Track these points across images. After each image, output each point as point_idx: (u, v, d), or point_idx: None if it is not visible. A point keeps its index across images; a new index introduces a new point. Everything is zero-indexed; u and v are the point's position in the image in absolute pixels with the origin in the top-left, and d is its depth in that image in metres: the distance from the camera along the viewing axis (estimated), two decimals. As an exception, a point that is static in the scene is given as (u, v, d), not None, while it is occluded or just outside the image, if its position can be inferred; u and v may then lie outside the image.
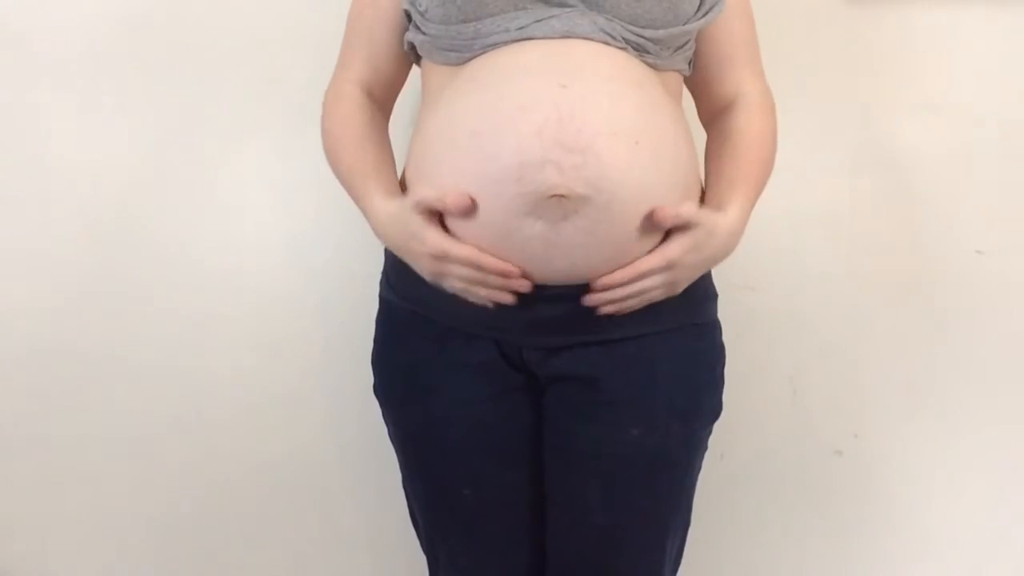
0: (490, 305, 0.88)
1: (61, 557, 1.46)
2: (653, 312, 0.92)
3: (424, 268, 0.89)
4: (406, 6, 0.96)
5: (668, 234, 0.87)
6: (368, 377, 1.05)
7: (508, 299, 0.87)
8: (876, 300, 1.43)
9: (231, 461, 1.45)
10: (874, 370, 1.44)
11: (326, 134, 1.00)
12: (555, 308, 0.90)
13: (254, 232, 1.41)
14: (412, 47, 0.99)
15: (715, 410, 1.03)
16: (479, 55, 0.90)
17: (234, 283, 1.41)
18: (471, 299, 0.89)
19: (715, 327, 1.04)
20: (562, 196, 0.81)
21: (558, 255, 0.85)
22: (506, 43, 0.89)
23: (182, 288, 1.40)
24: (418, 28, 0.96)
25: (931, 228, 1.41)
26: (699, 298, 1.00)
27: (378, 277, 1.06)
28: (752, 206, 0.94)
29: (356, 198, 0.95)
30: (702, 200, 0.94)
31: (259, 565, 1.48)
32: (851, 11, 1.38)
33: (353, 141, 0.98)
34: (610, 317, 0.91)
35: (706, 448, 1.04)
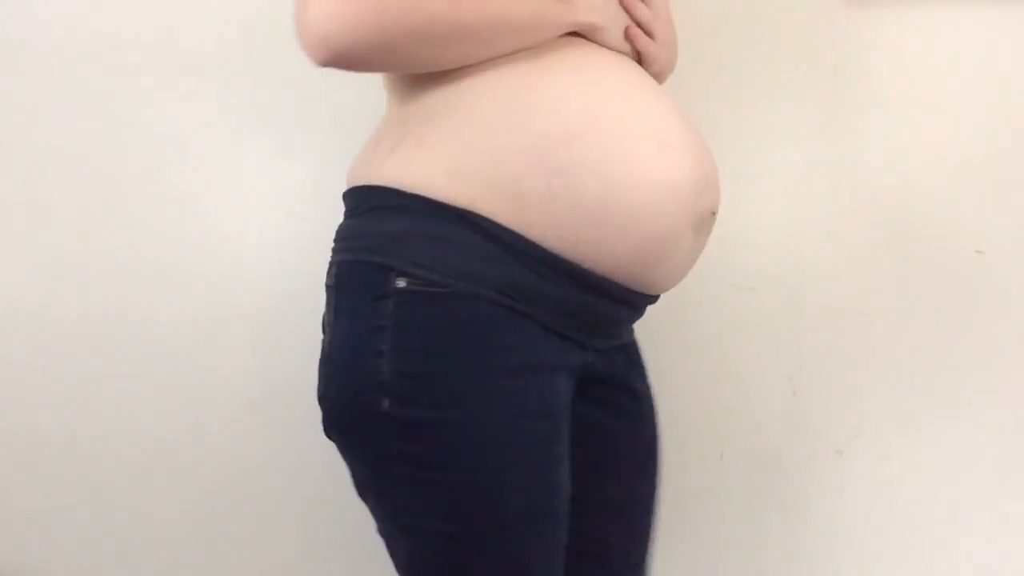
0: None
1: (61, 556, 1.46)
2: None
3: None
4: None
5: None
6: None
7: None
8: (876, 300, 1.43)
9: (232, 461, 1.45)
10: (874, 370, 1.44)
11: (415, 9, 0.75)
12: (636, 314, 0.93)
13: (255, 232, 1.41)
14: None
15: None
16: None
17: (235, 283, 1.41)
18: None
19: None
20: (714, 213, 0.86)
21: (685, 265, 0.88)
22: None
23: (183, 288, 1.40)
24: None
25: (931, 228, 1.41)
26: None
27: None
28: None
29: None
30: None
31: (258, 565, 1.48)
32: (850, 11, 1.38)
33: None
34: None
35: None
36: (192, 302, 1.41)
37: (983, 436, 1.44)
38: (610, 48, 0.87)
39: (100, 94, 1.37)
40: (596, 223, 0.79)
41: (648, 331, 1.02)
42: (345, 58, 0.76)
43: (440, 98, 0.83)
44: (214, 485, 1.45)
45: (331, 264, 0.87)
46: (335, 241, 0.89)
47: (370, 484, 0.85)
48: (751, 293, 1.41)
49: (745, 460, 1.45)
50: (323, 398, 0.84)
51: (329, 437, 0.86)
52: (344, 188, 0.91)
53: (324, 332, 0.86)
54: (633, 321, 0.94)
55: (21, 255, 1.39)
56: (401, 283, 0.79)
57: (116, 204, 1.39)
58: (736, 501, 1.47)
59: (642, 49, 0.89)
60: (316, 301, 1.43)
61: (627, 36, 0.88)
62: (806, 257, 1.43)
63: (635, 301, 0.88)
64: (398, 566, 0.87)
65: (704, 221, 0.85)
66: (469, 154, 0.80)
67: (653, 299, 0.91)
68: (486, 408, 0.79)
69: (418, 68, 0.83)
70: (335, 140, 1.39)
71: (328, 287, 0.87)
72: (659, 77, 0.94)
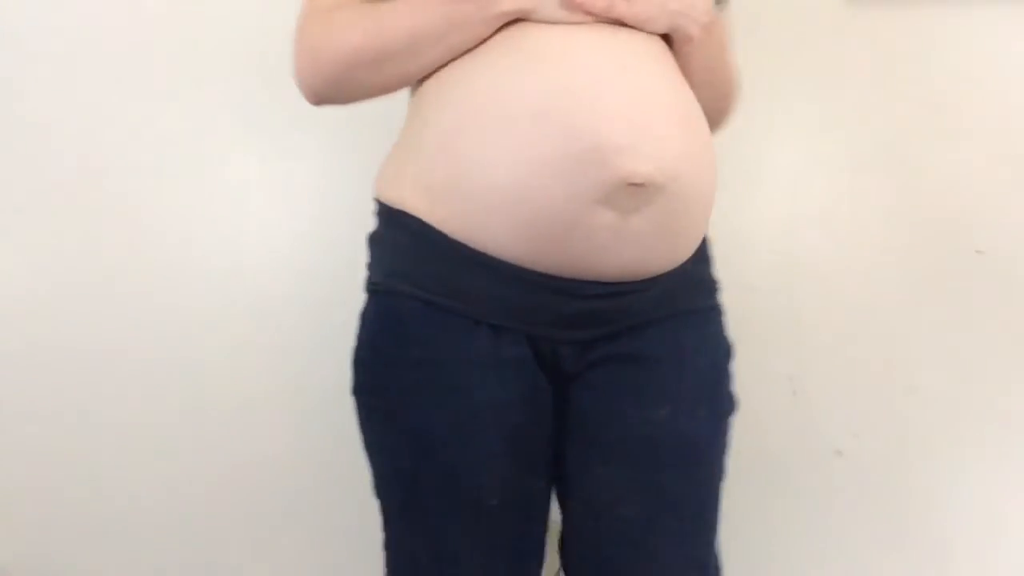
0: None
1: (61, 556, 1.46)
2: (682, 291, 0.89)
3: None
4: None
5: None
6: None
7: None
8: (876, 300, 1.43)
9: (233, 461, 1.45)
10: (874, 370, 1.44)
11: (339, 45, 0.85)
12: (601, 303, 0.84)
13: (255, 231, 1.41)
14: None
15: (733, 401, 0.95)
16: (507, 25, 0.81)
17: (235, 282, 1.41)
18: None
19: (724, 315, 0.97)
20: (639, 184, 0.76)
21: (626, 247, 0.79)
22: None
23: (183, 287, 1.41)
24: None
25: (931, 228, 1.41)
26: (711, 280, 0.95)
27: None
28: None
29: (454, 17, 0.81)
30: None
31: (259, 564, 1.48)
32: (851, 11, 1.38)
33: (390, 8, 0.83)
34: (640, 306, 0.85)
35: (727, 445, 0.97)
36: (192, 302, 1.41)
37: (983, 435, 1.44)
38: (568, 24, 0.81)
39: (101, 94, 1.38)
40: (488, 208, 0.78)
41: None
42: (321, 97, 0.90)
43: (410, 108, 0.90)
44: (214, 484, 1.45)
45: None
46: None
47: None
48: (751, 293, 1.41)
49: (745, 460, 1.45)
50: None
51: None
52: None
53: None
54: (599, 310, 0.84)
55: (22, 254, 1.39)
56: (366, 282, 0.90)
57: (117, 204, 1.39)
58: (736, 501, 1.47)
59: (601, 13, 0.80)
60: (315, 301, 1.44)
61: (567, 7, 0.80)
62: (806, 257, 1.43)
63: (568, 289, 0.81)
64: None
65: (621, 194, 0.76)
66: (404, 156, 0.86)
67: (611, 287, 0.82)
68: (399, 399, 0.85)
69: (380, 91, 0.89)
70: (336, 140, 1.39)
71: None
72: (673, 34, 0.86)
